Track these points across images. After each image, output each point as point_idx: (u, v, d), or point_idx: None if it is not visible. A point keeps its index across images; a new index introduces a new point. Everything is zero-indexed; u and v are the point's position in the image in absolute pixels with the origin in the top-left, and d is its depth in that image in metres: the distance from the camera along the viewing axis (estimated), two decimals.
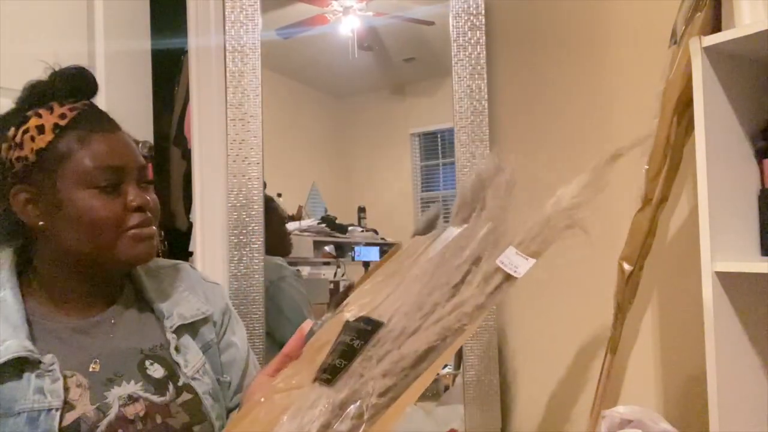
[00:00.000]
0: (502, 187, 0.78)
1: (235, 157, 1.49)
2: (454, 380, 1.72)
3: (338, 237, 2.00)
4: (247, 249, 1.48)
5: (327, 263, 1.99)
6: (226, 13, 1.50)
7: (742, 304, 1.07)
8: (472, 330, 0.72)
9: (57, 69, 0.89)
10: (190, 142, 1.70)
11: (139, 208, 0.86)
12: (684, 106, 1.18)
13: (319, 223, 1.98)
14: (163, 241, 0.99)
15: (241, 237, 1.48)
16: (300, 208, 1.98)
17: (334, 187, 2.08)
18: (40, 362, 0.79)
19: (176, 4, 1.66)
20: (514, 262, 0.73)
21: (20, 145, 0.83)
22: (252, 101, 1.49)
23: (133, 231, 0.86)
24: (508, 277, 0.73)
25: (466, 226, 0.79)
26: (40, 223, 0.84)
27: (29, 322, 0.83)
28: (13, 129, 0.84)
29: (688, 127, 1.20)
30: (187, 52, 1.67)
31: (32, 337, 0.81)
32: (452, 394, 1.68)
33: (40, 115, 0.84)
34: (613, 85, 1.47)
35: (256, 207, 1.49)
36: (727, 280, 1.05)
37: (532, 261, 0.74)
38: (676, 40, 1.21)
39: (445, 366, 1.77)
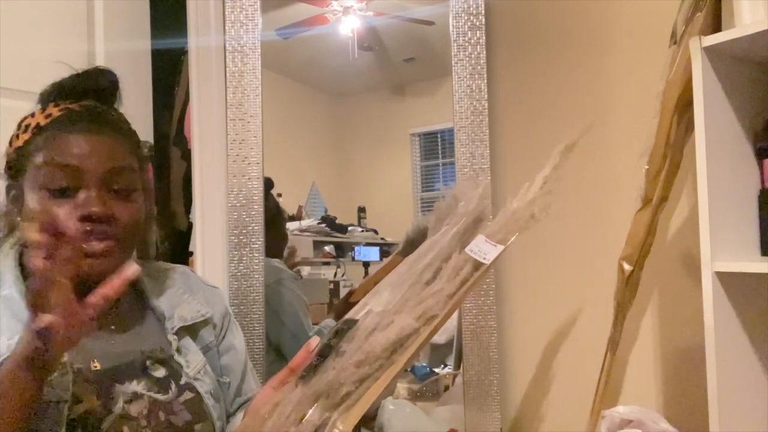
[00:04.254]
0: (473, 199, 0.84)
1: (235, 157, 1.49)
2: (454, 380, 1.72)
3: (338, 237, 2.00)
4: (247, 249, 1.48)
5: (327, 263, 1.99)
6: (226, 13, 1.50)
7: (742, 304, 1.07)
8: (446, 319, 0.76)
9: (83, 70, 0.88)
10: (190, 142, 1.70)
11: (85, 217, 0.79)
12: (684, 106, 1.18)
13: (319, 223, 1.98)
14: (163, 241, 0.98)
15: (241, 237, 1.48)
16: (300, 208, 1.98)
17: (334, 187, 2.08)
18: None
19: (176, 4, 1.66)
20: (483, 249, 0.78)
21: (10, 142, 0.86)
22: (252, 101, 1.49)
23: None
24: (478, 266, 0.78)
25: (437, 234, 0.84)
26: (18, 219, 0.85)
27: None
28: (18, 125, 0.86)
29: (688, 127, 1.20)
30: (187, 52, 1.67)
31: None
32: (452, 394, 1.68)
33: (33, 114, 0.85)
34: (613, 85, 1.47)
35: (256, 207, 1.49)
36: (727, 280, 1.04)
37: (500, 247, 0.78)
38: (676, 40, 1.21)
39: (445, 366, 1.77)
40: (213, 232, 1.57)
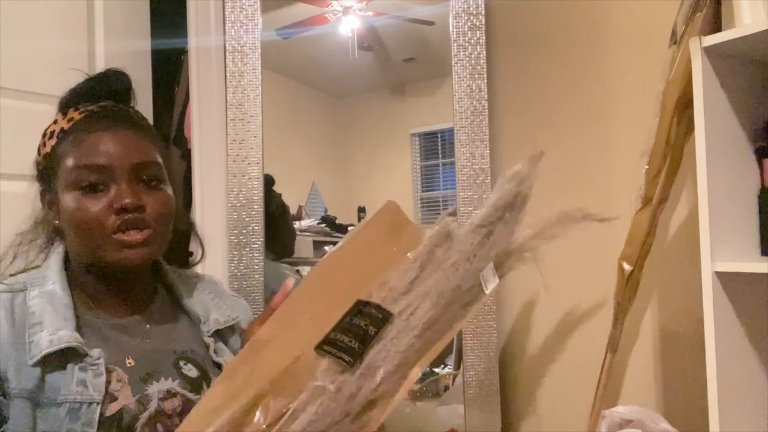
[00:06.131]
0: (520, 211, 0.85)
1: (235, 157, 1.49)
2: (454, 380, 1.72)
3: (338, 237, 1.99)
4: (247, 249, 1.48)
5: None
6: (226, 13, 1.50)
7: (742, 304, 1.07)
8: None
9: (88, 75, 0.92)
10: (190, 142, 1.70)
11: (121, 209, 0.83)
12: (684, 106, 1.18)
13: (319, 223, 1.98)
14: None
15: (241, 237, 1.48)
16: (300, 208, 1.98)
17: (334, 187, 2.08)
18: (86, 355, 0.81)
19: (176, 4, 1.66)
20: (488, 277, 0.81)
21: (39, 150, 0.89)
22: (252, 101, 1.49)
23: (118, 235, 0.83)
24: (481, 291, 0.82)
25: (485, 240, 0.84)
26: (56, 222, 0.88)
27: (76, 316, 0.85)
28: (42, 135, 0.90)
29: (688, 127, 1.20)
30: (187, 52, 1.67)
31: (79, 330, 0.83)
32: (452, 394, 1.68)
33: (56, 121, 0.89)
34: (613, 85, 1.47)
35: (256, 207, 1.49)
36: (727, 280, 1.04)
37: (497, 281, 0.83)
38: (676, 40, 1.21)
39: (445, 366, 1.77)
40: (213, 232, 1.57)
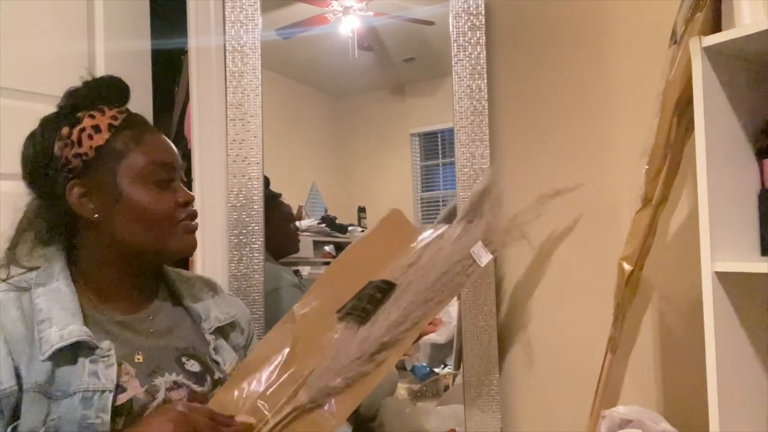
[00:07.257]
0: (496, 201, 1.05)
1: (235, 157, 1.49)
2: (454, 380, 1.72)
3: (338, 237, 2.00)
4: (247, 249, 1.48)
5: (327, 263, 1.99)
6: (226, 13, 1.50)
7: (742, 304, 1.07)
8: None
9: (91, 78, 0.95)
10: (190, 142, 1.70)
11: (187, 204, 0.95)
12: (684, 106, 1.18)
13: (319, 223, 1.98)
14: None
15: (241, 237, 1.48)
16: (300, 208, 1.98)
17: (334, 187, 2.08)
18: (96, 348, 0.84)
19: (176, 4, 1.66)
20: (480, 253, 1.01)
21: (78, 143, 0.89)
22: (252, 101, 1.49)
23: (183, 223, 0.93)
24: (476, 264, 1.03)
25: (468, 225, 1.06)
26: (95, 215, 0.90)
27: (81, 312, 0.87)
28: (66, 128, 0.90)
29: (688, 127, 1.20)
30: (187, 52, 1.67)
31: (85, 326, 0.86)
32: (452, 394, 1.68)
33: (93, 116, 0.90)
34: (613, 85, 1.47)
35: (256, 207, 1.49)
36: (727, 280, 1.04)
37: (491, 256, 1.04)
38: (676, 40, 1.21)
39: (445, 366, 1.77)
40: (213, 232, 1.57)
